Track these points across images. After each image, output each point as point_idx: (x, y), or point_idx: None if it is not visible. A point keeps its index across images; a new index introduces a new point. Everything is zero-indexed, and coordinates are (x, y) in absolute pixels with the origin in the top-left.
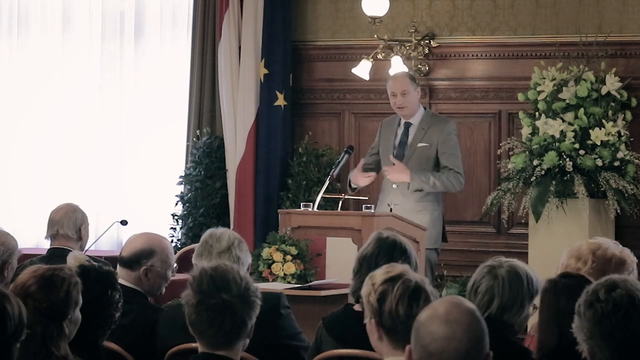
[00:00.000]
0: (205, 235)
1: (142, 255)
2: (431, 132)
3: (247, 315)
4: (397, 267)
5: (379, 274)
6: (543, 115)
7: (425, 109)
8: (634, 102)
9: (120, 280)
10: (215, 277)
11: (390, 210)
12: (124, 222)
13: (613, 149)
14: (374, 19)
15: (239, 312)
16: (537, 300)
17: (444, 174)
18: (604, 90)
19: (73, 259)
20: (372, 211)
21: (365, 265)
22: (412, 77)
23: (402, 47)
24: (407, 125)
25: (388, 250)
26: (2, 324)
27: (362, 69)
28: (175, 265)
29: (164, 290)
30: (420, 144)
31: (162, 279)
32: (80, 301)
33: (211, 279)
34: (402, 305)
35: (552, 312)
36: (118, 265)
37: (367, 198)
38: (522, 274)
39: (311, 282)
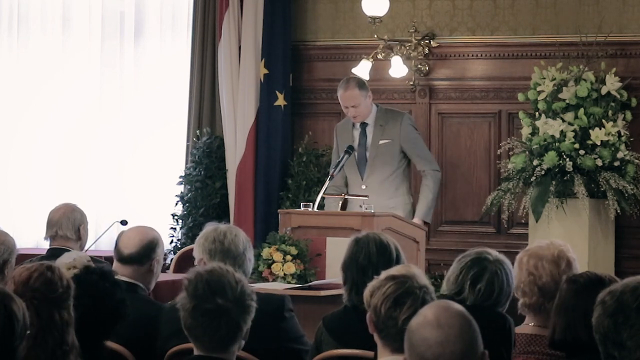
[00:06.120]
0: (213, 233)
1: (151, 248)
2: (389, 127)
3: (242, 319)
4: (406, 269)
5: (389, 270)
6: (543, 115)
7: (377, 106)
8: (634, 102)
9: (122, 277)
10: (210, 282)
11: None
12: (124, 222)
13: (613, 149)
14: (374, 19)
15: (234, 316)
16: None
17: (428, 183)
18: (604, 90)
19: (69, 259)
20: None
21: (349, 273)
22: (361, 86)
23: (402, 47)
24: (364, 126)
25: (364, 249)
26: (9, 326)
27: (362, 69)
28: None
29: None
30: (381, 141)
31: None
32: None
33: (207, 283)
34: (385, 304)
35: (570, 308)
36: (118, 263)
37: (367, 197)
38: (507, 267)
39: (311, 282)
